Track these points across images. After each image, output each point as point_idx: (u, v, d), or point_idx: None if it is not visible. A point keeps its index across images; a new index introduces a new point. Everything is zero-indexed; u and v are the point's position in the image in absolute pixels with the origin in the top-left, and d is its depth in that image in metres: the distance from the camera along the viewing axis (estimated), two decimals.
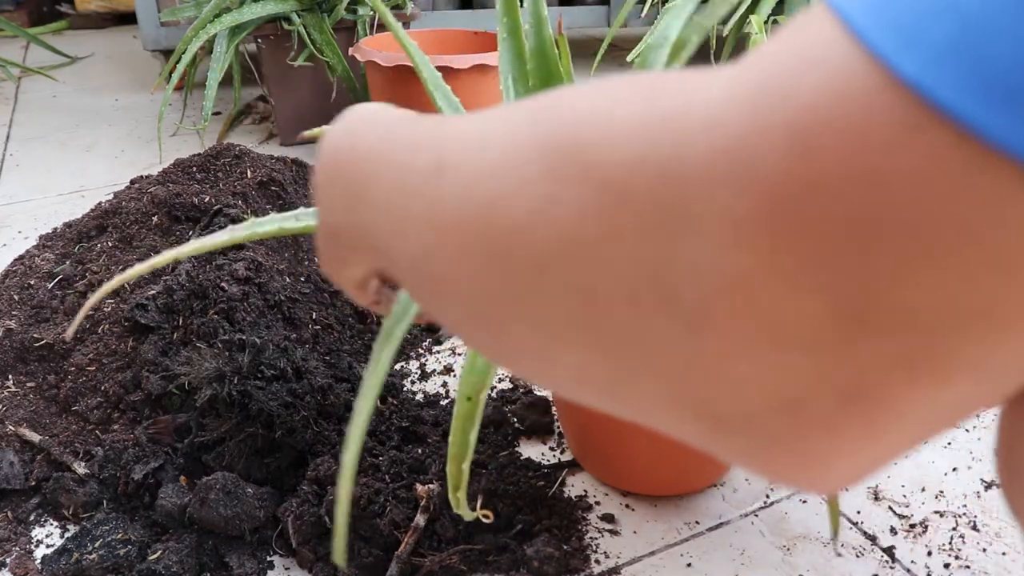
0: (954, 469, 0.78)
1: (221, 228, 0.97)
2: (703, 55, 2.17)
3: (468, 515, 0.55)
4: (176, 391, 0.78)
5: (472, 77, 1.27)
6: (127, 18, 2.78)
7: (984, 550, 0.69)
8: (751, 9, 1.79)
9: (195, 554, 0.66)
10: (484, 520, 0.59)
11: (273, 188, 1.08)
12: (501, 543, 0.67)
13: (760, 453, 0.23)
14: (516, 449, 0.80)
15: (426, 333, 0.99)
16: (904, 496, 0.74)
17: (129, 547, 0.66)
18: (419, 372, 0.92)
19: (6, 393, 0.82)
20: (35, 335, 0.86)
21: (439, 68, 0.73)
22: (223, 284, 0.87)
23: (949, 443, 0.81)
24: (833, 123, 0.19)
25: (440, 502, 0.68)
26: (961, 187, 0.18)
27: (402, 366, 0.93)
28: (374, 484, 0.70)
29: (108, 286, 0.53)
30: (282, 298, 0.91)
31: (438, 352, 0.96)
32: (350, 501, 0.44)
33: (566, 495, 0.74)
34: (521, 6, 0.70)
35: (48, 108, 1.90)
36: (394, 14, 1.61)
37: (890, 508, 0.73)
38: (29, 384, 0.83)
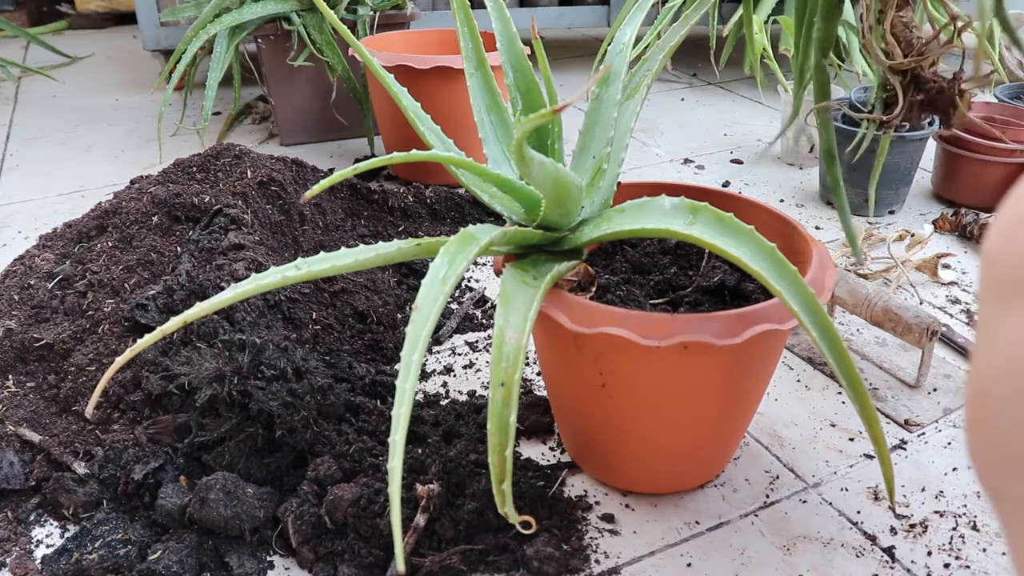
0: (954, 469, 0.78)
1: (221, 228, 0.97)
2: (703, 55, 2.17)
3: (514, 517, 0.55)
4: (176, 391, 0.78)
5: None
6: (127, 18, 2.78)
7: (984, 550, 0.69)
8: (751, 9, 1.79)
9: (195, 554, 0.66)
10: (520, 526, 0.58)
11: (273, 188, 1.08)
12: (501, 543, 0.67)
13: None
14: (516, 449, 0.80)
15: None
16: (904, 496, 0.74)
17: (129, 547, 0.66)
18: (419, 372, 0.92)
19: (6, 393, 0.82)
20: (35, 335, 0.86)
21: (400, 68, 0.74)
22: (223, 284, 0.87)
23: (949, 443, 0.81)
24: None
25: (440, 502, 0.68)
26: None
27: None
28: (374, 484, 0.70)
29: (122, 358, 0.55)
30: (282, 298, 0.91)
31: (438, 352, 0.96)
32: (400, 507, 0.45)
33: (566, 495, 0.74)
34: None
35: (48, 108, 1.90)
36: (394, 14, 1.61)
37: (890, 508, 0.73)
38: (29, 384, 0.83)
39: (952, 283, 1.11)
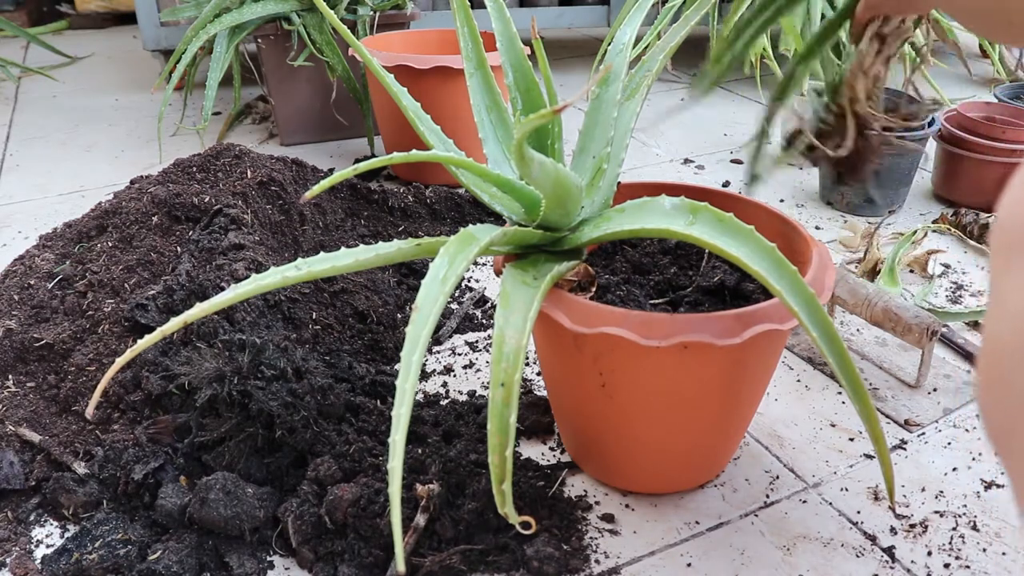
0: (954, 469, 0.78)
1: (221, 228, 0.97)
2: (703, 55, 2.17)
3: (514, 518, 0.55)
4: (176, 391, 0.78)
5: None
6: (127, 18, 2.78)
7: (984, 550, 0.69)
8: None
9: (195, 554, 0.66)
10: (520, 526, 0.58)
11: (273, 188, 1.08)
12: (501, 543, 0.67)
13: None
14: (516, 449, 0.80)
15: None
16: (904, 496, 0.74)
17: (129, 547, 0.66)
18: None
19: (6, 393, 0.82)
20: (35, 335, 0.86)
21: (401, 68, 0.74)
22: (223, 284, 0.87)
23: (949, 443, 0.81)
24: None
25: (440, 502, 0.68)
26: None
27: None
28: (374, 484, 0.70)
29: (122, 359, 0.54)
30: (282, 298, 0.91)
31: (438, 352, 0.96)
32: (400, 507, 0.45)
33: (566, 495, 0.74)
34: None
35: (48, 108, 1.90)
36: (394, 14, 1.61)
37: (890, 508, 0.73)
38: (29, 384, 0.83)
39: (941, 275, 1.11)
